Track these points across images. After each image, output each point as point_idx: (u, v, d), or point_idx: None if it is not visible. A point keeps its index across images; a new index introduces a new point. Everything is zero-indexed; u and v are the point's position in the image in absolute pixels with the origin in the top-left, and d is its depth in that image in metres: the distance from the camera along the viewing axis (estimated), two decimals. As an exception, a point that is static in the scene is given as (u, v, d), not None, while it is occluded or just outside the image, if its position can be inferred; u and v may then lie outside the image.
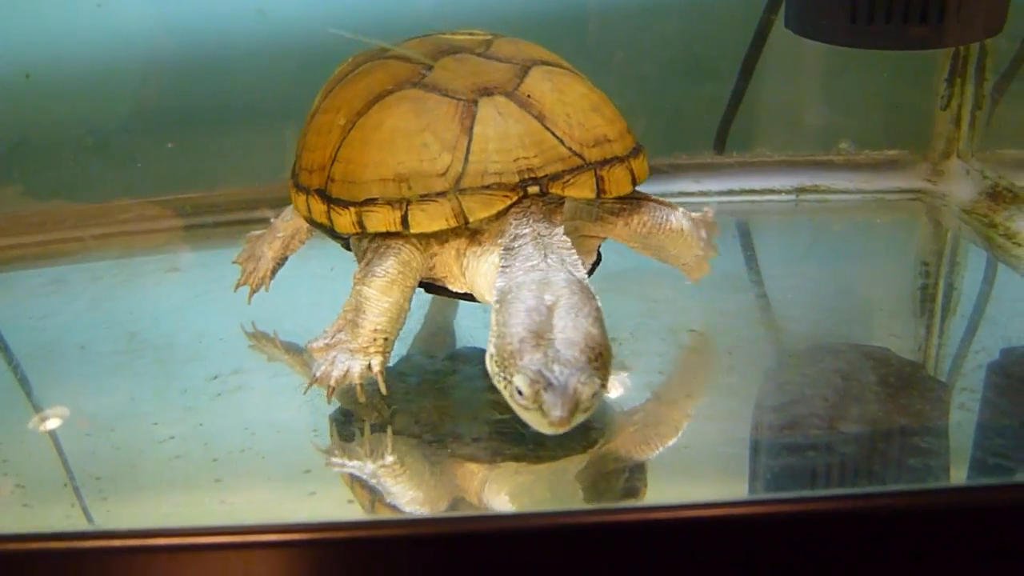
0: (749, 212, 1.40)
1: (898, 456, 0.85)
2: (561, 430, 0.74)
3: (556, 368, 0.74)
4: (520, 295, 0.80)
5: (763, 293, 1.15)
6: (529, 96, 0.91)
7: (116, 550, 0.71)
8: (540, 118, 0.89)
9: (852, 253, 1.36)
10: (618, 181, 0.92)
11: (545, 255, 0.85)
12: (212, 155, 1.63)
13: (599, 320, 0.79)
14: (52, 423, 0.99)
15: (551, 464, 0.83)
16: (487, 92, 0.91)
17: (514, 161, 0.88)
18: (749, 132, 1.59)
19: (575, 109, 0.91)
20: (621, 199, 0.95)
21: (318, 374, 0.87)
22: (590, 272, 0.94)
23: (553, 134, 0.89)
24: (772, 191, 1.51)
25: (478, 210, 0.87)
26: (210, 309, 1.23)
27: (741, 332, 1.08)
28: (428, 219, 0.88)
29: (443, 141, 0.88)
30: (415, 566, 0.70)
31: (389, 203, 0.89)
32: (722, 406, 0.94)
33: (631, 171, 0.93)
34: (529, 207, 0.89)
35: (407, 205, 0.89)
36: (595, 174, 0.90)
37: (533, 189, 0.87)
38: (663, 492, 0.82)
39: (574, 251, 0.88)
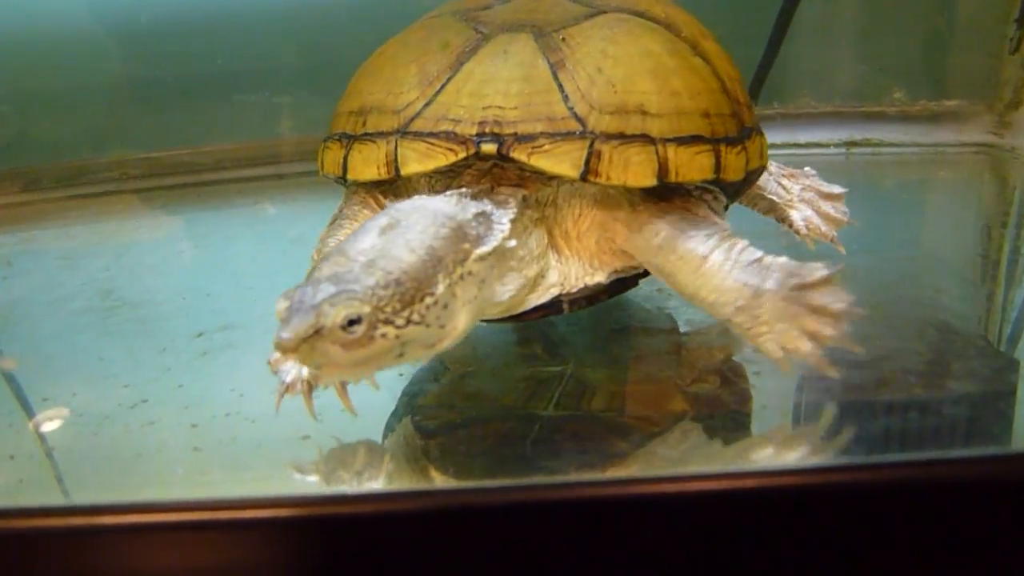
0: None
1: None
2: (292, 356, 0.61)
3: (313, 286, 0.62)
4: (375, 218, 0.68)
5: (821, 247, 1.02)
6: (564, 40, 0.74)
7: (74, 530, 0.62)
8: (557, 66, 0.72)
9: (909, 210, 1.25)
10: (626, 165, 0.71)
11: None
12: (196, 115, 1.61)
13: (423, 248, 0.65)
14: (7, 387, 0.86)
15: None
16: (515, 28, 0.76)
17: (484, 109, 0.71)
18: (791, 81, 1.47)
19: (618, 66, 0.73)
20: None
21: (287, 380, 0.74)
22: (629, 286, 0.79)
23: (560, 87, 0.71)
24: (819, 144, 1.38)
25: (412, 162, 0.72)
26: (196, 266, 1.11)
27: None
28: (362, 164, 0.75)
29: (424, 74, 0.75)
30: (425, 539, 0.62)
31: (340, 139, 0.78)
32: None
33: (660, 159, 0.72)
34: (491, 173, 0.73)
35: (351, 144, 0.76)
36: (590, 147, 0.70)
37: (488, 148, 0.70)
38: (751, 457, 0.69)
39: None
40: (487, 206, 0.70)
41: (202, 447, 0.73)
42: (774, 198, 0.97)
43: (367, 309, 0.61)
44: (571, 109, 0.70)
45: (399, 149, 0.72)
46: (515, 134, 0.70)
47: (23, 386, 0.87)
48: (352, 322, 0.61)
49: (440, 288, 0.64)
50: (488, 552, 0.61)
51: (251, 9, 1.58)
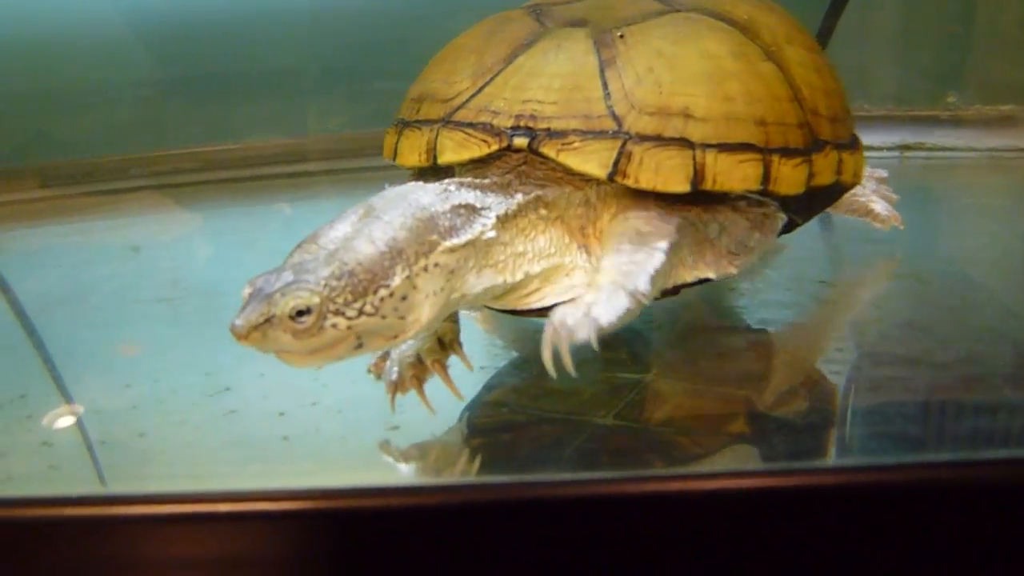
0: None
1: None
2: (243, 342, 0.62)
3: (276, 273, 0.64)
4: (357, 205, 0.70)
5: (882, 249, 1.02)
6: (622, 37, 0.74)
7: (143, 518, 0.62)
8: (606, 63, 0.72)
9: (967, 214, 1.24)
10: (657, 168, 0.69)
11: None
12: (239, 111, 1.65)
13: (385, 239, 0.66)
14: (90, 372, 0.87)
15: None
16: (577, 24, 0.76)
17: (523, 103, 0.72)
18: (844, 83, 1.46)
19: (670, 66, 0.72)
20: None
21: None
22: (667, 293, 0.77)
23: (604, 85, 0.71)
24: (873, 148, 1.38)
25: (448, 151, 0.74)
26: (260, 257, 1.10)
27: (879, 285, 0.96)
28: (408, 150, 0.77)
29: (479, 65, 0.76)
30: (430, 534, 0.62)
31: (397, 125, 0.80)
32: (884, 362, 0.81)
33: (696, 165, 0.70)
34: (523, 168, 0.73)
35: (402, 130, 0.78)
36: (621, 148, 0.69)
37: (520, 141, 0.71)
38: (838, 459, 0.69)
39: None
40: (482, 198, 0.71)
41: (290, 436, 0.74)
42: (857, 197, 1.00)
43: (316, 300, 0.62)
44: (610, 108, 0.70)
45: (439, 137, 0.74)
46: (548, 129, 0.70)
47: (106, 373, 0.87)
48: (301, 312, 0.62)
49: (396, 280, 0.65)
50: (495, 550, 0.61)
51: (273, 8, 1.60)
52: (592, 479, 0.64)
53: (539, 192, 0.73)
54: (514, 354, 0.87)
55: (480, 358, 0.83)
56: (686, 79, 0.71)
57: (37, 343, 0.96)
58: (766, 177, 0.71)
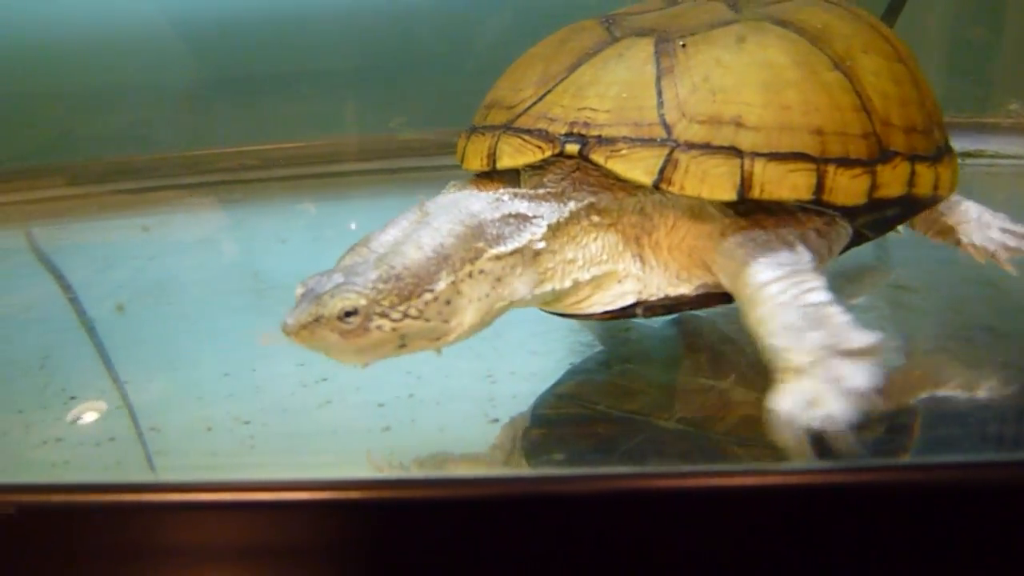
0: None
1: None
2: (293, 339, 0.67)
3: (328, 275, 0.68)
4: (411, 210, 0.74)
5: (947, 254, 1.02)
6: (684, 47, 0.75)
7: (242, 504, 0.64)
8: (664, 71, 0.73)
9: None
10: (703, 177, 0.70)
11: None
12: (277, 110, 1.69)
13: (432, 246, 0.69)
14: (184, 359, 0.89)
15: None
16: (643, 34, 0.78)
17: (579, 110, 0.73)
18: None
19: (727, 75, 0.72)
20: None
21: None
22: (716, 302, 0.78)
23: (659, 93, 0.72)
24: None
25: (506, 156, 0.76)
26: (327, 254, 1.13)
27: (953, 290, 0.95)
28: (472, 155, 0.79)
29: (546, 73, 0.78)
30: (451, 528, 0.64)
31: (467, 130, 0.82)
32: (973, 365, 0.81)
33: (744, 173, 0.70)
34: (577, 175, 0.75)
35: (470, 135, 0.81)
36: (668, 155, 0.70)
37: (571, 148, 0.73)
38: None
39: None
40: (535, 208, 0.73)
41: (391, 427, 0.76)
42: (953, 222, 0.96)
43: (363, 302, 0.65)
44: (661, 116, 0.71)
45: (499, 143, 0.76)
46: (599, 136, 0.72)
47: (202, 362, 0.90)
48: (348, 313, 0.65)
49: (441, 285, 0.68)
50: (523, 543, 0.63)
51: (307, 8, 1.62)
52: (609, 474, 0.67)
53: (592, 199, 0.75)
54: (598, 350, 0.89)
55: (564, 354, 0.85)
56: (740, 88, 0.72)
57: (132, 332, 0.99)
58: (819, 187, 0.71)
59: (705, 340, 0.89)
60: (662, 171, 0.69)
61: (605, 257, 0.75)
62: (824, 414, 0.61)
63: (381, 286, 0.66)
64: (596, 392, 0.81)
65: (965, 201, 0.96)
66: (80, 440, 0.78)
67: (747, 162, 0.69)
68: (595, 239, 0.75)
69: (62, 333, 1.00)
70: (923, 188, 0.80)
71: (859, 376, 0.62)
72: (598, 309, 0.77)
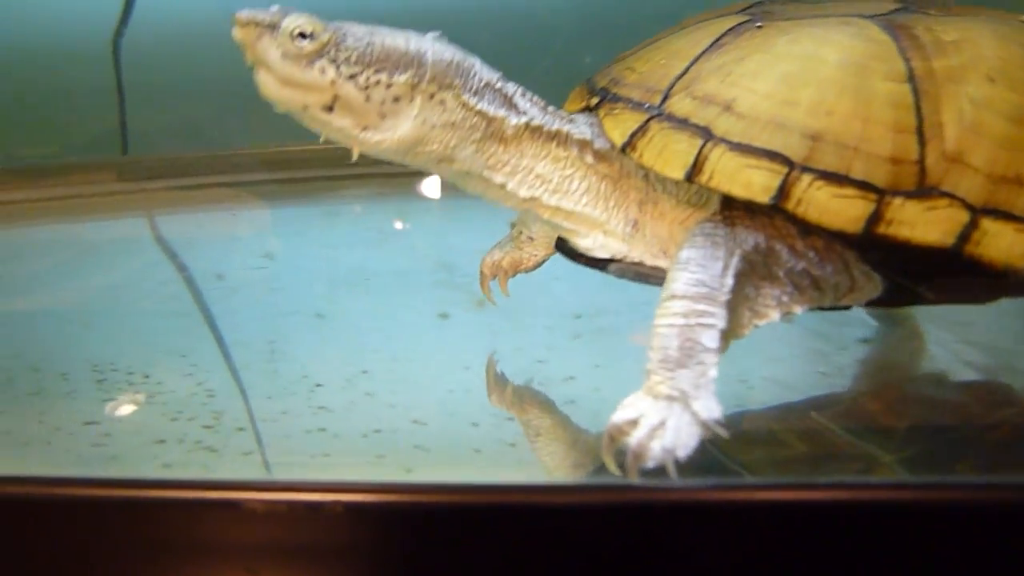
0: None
1: None
2: (237, 32, 0.70)
3: None
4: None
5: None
6: (759, 27, 0.74)
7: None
8: (713, 48, 0.73)
9: None
10: (661, 150, 0.70)
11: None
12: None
13: (416, 45, 0.72)
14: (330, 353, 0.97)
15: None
16: (756, 18, 0.76)
17: (626, 70, 0.76)
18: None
19: (757, 60, 0.70)
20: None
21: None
22: None
23: (687, 68, 0.73)
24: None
25: (570, 102, 0.81)
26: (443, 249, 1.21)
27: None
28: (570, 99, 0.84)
29: (647, 43, 0.81)
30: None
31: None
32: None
33: (699, 157, 0.68)
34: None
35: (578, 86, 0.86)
36: (644, 123, 0.71)
37: (593, 100, 0.77)
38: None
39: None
40: (526, 105, 0.75)
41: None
42: None
43: (325, 36, 0.69)
44: (670, 86, 0.72)
45: (574, 92, 0.82)
46: (616, 94, 0.75)
47: (344, 360, 0.97)
48: (304, 36, 0.69)
49: (401, 79, 0.71)
50: (568, 552, 0.63)
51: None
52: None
53: (589, 136, 0.75)
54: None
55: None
56: (758, 74, 0.69)
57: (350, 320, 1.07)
58: (781, 192, 0.66)
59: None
60: (632, 136, 0.71)
61: (585, 201, 0.76)
62: (659, 447, 0.61)
63: (350, 41, 0.70)
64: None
65: None
66: (342, 431, 0.80)
67: (708, 146, 0.67)
68: (581, 177, 0.76)
69: (276, 319, 1.06)
70: (996, 253, 0.66)
71: (694, 432, 0.62)
72: (582, 246, 0.78)
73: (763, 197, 0.66)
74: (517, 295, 0.95)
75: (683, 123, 0.69)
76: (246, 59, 0.71)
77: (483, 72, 0.75)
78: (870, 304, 0.75)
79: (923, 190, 0.66)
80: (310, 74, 0.70)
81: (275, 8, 0.71)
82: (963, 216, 0.66)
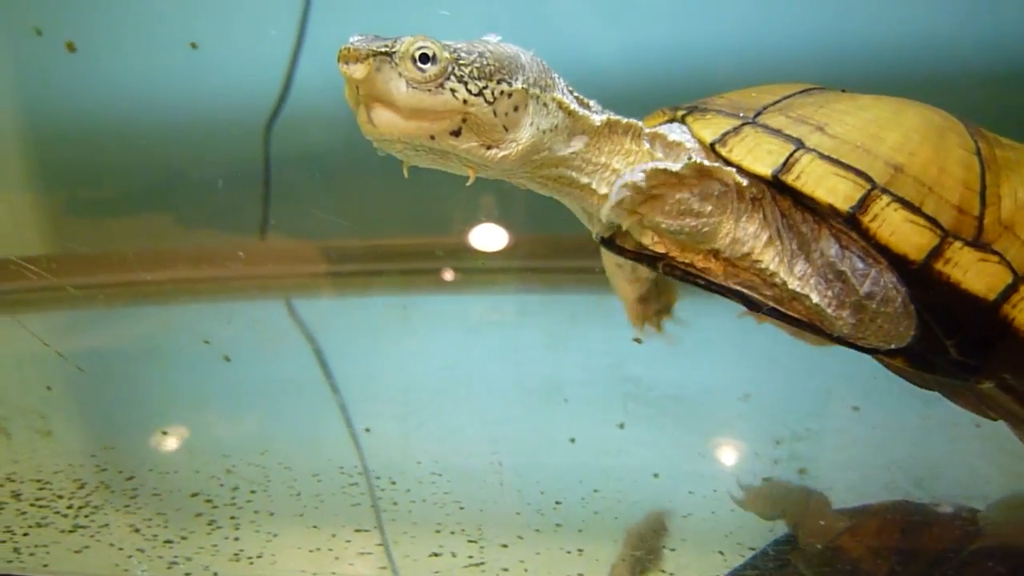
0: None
1: None
2: (349, 67, 0.65)
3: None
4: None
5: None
6: (843, 90, 0.83)
7: None
8: (805, 94, 0.81)
9: None
10: (752, 147, 0.74)
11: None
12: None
13: (514, 51, 0.72)
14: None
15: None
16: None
17: (719, 98, 0.82)
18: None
19: (848, 107, 0.77)
20: None
21: None
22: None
23: (780, 100, 0.80)
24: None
25: (650, 117, 0.84)
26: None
27: None
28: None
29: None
30: None
31: None
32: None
33: (789, 159, 0.73)
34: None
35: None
36: (737, 127, 0.76)
37: (680, 112, 0.81)
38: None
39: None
40: (598, 107, 0.78)
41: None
42: None
43: (446, 55, 0.66)
44: (761, 108, 0.77)
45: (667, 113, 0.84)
46: (704, 108, 0.79)
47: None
48: (426, 58, 0.66)
49: (518, 84, 0.70)
50: None
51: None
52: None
53: (665, 135, 0.78)
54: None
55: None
56: (847, 113, 0.75)
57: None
58: (861, 205, 0.70)
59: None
60: (724, 135, 0.75)
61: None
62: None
63: (464, 55, 0.68)
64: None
65: None
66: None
67: (800, 152, 0.72)
68: None
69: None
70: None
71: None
72: (640, 245, 0.79)
73: (844, 205, 0.70)
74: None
75: (776, 132, 0.74)
76: (350, 98, 0.68)
77: (563, 82, 0.77)
78: (891, 353, 0.76)
79: (979, 243, 0.71)
80: (442, 98, 0.67)
81: (358, 37, 0.67)
82: (1008, 276, 0.72)
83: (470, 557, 0.82)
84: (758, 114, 0.77)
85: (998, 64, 1.46)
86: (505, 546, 0.83)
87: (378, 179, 0.97)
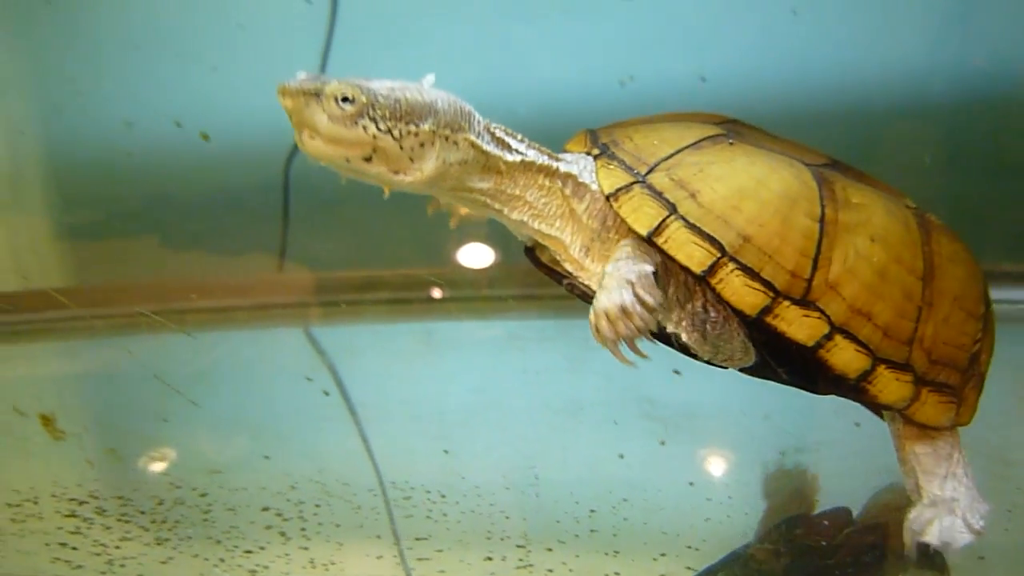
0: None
1: None
2: (284, 100, 0.80)
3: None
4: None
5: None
6: (731, 144, 0.93)
7: None
8: (694, 148, 0.93)
9: None
10: (636, 208, 0.88)
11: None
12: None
13: (433, 98, 0.85)
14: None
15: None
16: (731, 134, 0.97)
17: (626, 138, 0.94)
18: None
19: (725, 169, 0.89)
20: None
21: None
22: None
23: (671, 154, 0.91)
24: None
25: (571, 145, 0.99)
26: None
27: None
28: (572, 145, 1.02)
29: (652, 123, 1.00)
30: None
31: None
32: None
33: (662, 223, 0.88)
34: None
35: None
36: (629, 184, 0.89)
37: (595, 151, 0.94)
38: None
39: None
40: (525, 149, 0.92)
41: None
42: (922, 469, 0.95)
43: (364, 99, 0.81)
44: (654, 164, 0.89)
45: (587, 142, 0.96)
46: (613, 154, 0.92)
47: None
48: (347, 100, 0.80)
49: (425, 127, 0.84)
50: None
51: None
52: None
53: (576, 176, 0.92)
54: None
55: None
56: (719, 180, 0.87)
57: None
58: (711, 270, 0.86)
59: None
60: (617, 190, 0.89)
61: (558, 225, 0.93)
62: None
63: (382, 99, 0.82)
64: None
65: (961, 468, 0.93)
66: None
67: (671, 218, 0.86)
68: (559, 206, 0.93)
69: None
70: (838, 361, 0.88)
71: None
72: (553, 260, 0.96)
73: (698, 269, 0.86)
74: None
75: (659, 195, 0.88)
76: (292, 123, 0.82)
77: (478, 116, 0.89)
78: (742, 371, 0.96)
79: (805, 301, 0.88)
80: (355, 132, 0.82)
81: (304, 75, 0.82)
82: (825, 328, 0.88)
83: (520, 560, 0.94)
84: (650, 170, 0.90)
85: (965, 95, 1.56)
86: (550, 550, 0.94)
87: (399, 211, 1.05)
